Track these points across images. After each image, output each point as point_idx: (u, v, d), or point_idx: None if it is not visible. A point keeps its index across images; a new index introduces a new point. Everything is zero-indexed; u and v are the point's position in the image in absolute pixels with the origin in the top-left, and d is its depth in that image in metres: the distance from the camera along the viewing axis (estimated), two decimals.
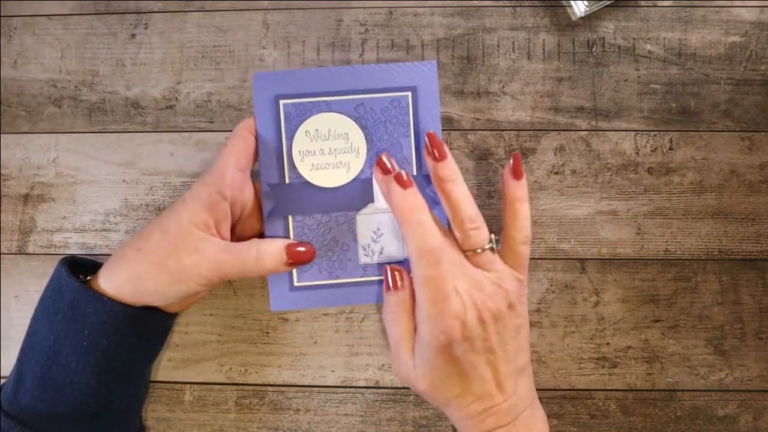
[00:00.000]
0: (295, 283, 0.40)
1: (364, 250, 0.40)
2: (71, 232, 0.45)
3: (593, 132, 0.45)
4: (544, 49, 0.45)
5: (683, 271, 0.44)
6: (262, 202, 0.39)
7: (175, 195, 0.45)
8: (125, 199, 0.45)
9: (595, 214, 0.44)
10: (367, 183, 0.40)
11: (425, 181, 0.40)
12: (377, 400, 0.44)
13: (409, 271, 0.38)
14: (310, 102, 0.39)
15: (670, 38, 0.45)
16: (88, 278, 0.38)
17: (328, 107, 0.39)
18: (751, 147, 0.45)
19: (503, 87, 0.45)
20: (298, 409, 0.44)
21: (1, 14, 0.47)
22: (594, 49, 0.45)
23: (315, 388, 0.44)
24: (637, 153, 0.45)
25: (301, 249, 0.38)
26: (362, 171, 0.40)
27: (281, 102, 0.39)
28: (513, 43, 0.45)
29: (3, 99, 0.46)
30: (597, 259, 0.44)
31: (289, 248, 0.38)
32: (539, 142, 0.45)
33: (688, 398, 0.43)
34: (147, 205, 0.45)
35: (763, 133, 0.45)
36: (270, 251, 0.37)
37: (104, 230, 0.45)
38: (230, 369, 0.44)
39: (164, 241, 0.36)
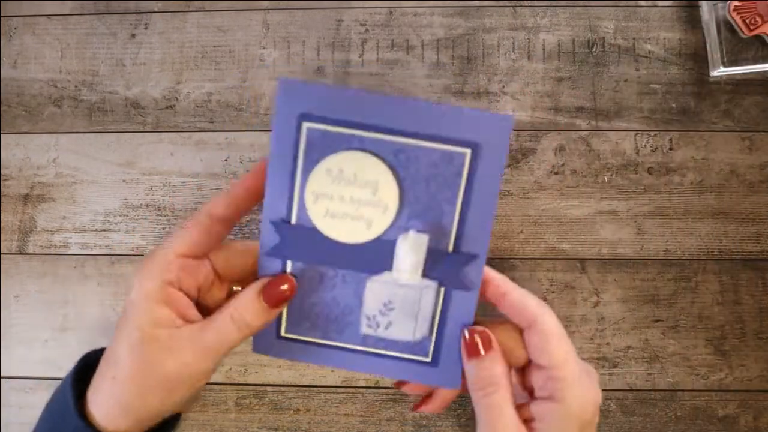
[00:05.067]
0: (282, 334, 0.34)
1: (368, 320, 0.33)
2: (71, 232, 0.45)
3: (593, 132, 0.45)
4: (544, 49, 0.45)
5: (683, 271, 0.44)
6: (261, 237, 0.33)
7: (175, 195, 0.45)
8: (125, 199, 0.45)
9: (595, 214, 0.44)
10: (389, 246, 0.32)
11: (465, 260, 0.32)
12: (377, 400, 0.44)
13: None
14: (340, 133, 0.30)
15: (670, 38, 0.45)
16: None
17: (362, 144, 0.30)
18: (751, 147, 0.45)
19: (503, 87, 0.45)
20: (298, 409, 0.44)
21: (1, 14, 0.47)
22: (594, 49, 0.45)
23: (315, 388, 0.44)
24: (637, 153, 0.45)
25: (278, 288, 0.32)
26: (386, 232, 0.31)
27: (305, 125, 0.30)
28: (513, 43, 0.45)
29: (3, 99, 0.46)
30: (597, 259, 0.44)
31: (265, 293, 0.31)
32: (539, 142, 0.45)
33: (688, 398, 0.43)
34: (147, 205, 0.45)
35: (763, 133, 0.45)
36: (244, 304, 0.31)
37: (104, 230, 0.45)
38: (230, 369, 0.44)
39: (136, 361, 0.31)
